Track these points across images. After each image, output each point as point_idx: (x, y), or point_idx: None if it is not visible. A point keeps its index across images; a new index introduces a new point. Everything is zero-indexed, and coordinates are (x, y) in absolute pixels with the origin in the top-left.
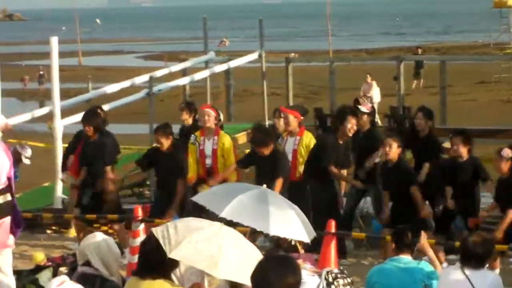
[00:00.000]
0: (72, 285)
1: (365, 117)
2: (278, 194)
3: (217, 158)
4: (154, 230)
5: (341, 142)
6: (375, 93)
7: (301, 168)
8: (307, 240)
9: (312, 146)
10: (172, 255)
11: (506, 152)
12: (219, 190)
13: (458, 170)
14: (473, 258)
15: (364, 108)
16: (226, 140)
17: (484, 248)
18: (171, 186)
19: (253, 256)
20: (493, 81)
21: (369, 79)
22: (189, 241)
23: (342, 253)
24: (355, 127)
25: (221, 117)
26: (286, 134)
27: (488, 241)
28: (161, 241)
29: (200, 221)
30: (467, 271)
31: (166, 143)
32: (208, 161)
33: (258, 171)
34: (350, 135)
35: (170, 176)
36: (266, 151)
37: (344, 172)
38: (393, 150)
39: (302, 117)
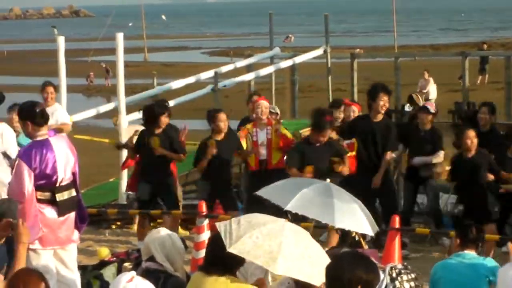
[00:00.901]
0: (141, 281)
1: (430, 117)
2: (341, 189)
3: (271, 149)
4: (218, 225)
5: (375, 121)
6: (432, 90)
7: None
8: (371, 233)
9: None
10: (231, 249)
11: None
12: (282, 184)
13: None
14: None
15: (431, 108)
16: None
17: None
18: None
19: (316, 255)
20: None
21: (426, 75)
22: (250, 236)
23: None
24: (387, 104)
25: (278, 111)
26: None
27: None
28: (222, 235)
29: (264, 216)
30: None
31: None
32: (263, 151)
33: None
34: (382, 112)
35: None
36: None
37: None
38: (475, 142)
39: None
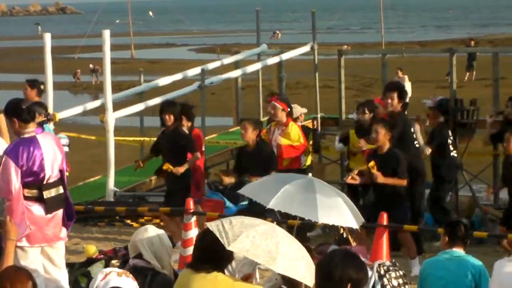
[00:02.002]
0: (115, 278)
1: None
2: (325, 183)
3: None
4: (209, 224)
5: None
6: (407, 87)
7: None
8: (356, 226)
9: None
10: (231, 247)
11: None
12: (265, 181)
13: None
14: None
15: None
16: (293, 129)
17: None
18: None
19: (307, 256)
20: None
21: (400, 74)
22: (247, 235)
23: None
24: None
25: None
26: None
27: None
28: (217, 235)
29: (253, 219)
30: None
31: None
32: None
33: None
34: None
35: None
36: None
37: None
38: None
39: None
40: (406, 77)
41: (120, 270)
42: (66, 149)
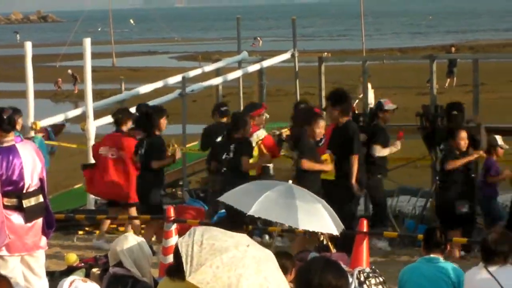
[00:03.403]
0: (81, 284)
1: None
2: (304, 189)
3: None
4: (179, 243)
5: None
6: (370, 95)
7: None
8: (335, 232)
9: None
10: (190, 278)
11: None
12: (246, 188)
13: None
14: (495, 256)
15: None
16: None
17: (506, 244)
18: None
19: (275, 285)
20: None
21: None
22: (210, 265)
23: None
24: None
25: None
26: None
27: (509, 236)
28: (183, 259)
29: (226, 238)
30: (491, 269)
31: None
32: None
33: None
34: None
35: None
36: None
37: None
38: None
39: None
40: (369, 84)
41: (84, 278)
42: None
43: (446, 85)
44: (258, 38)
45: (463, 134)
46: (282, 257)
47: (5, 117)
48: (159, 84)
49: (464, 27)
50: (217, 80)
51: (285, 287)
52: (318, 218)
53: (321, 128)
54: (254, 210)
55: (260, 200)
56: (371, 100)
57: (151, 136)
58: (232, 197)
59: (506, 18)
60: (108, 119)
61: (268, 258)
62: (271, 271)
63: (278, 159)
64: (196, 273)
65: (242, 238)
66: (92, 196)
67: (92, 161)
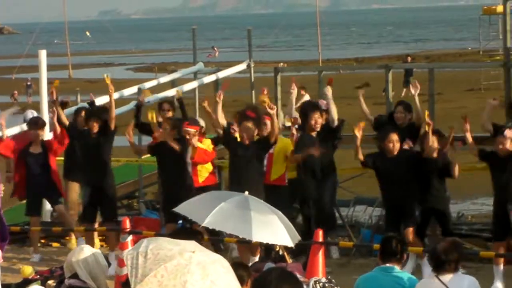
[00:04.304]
0: None
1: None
2: (260, 200)
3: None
4: (125, 256)
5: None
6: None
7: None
8: (290, 244)
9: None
10: None
11: (509, 133)
12: (201, 199)
13: None
14: (446, 265)
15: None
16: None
17: (455, 252)
18: None
19: (223, 285)
20: (483, 88)
21: (302, 92)
22: (155, 275)
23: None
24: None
25: (203, 123)
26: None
27: (457, 244)
28: (128, 271)
29: (171, 246)
30: (443, 278)
31: None
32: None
33: None
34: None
35: None
36: None
37: None
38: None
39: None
40: (307, 95)
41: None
42: None
43: (403, 94)
44: (215, 48)
45: (393, 137)
46: (239, 268)
47: None
48: (115, 95)
49: (420, 37)
50: (172, 91)
51: None
52: (273, 230)
53: None
54: (208, 222)
55: (215, 212)
56: None
57: None
58: (187, 208)
59: (459, 28)
60: None
61: (215, 261)
62: (218, 274)
63: None
64: (142, 284)
65: (188, 245)
66: (48, 208)
67: None
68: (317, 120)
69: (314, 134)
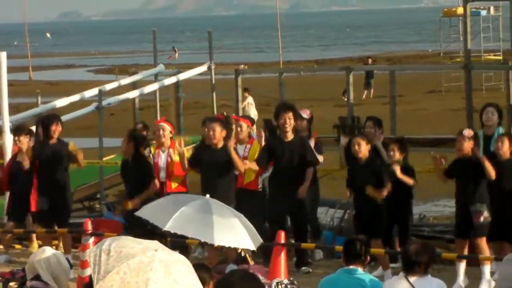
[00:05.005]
0: None
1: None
2: (222, 203)
3: (171, 171)
4: (88, 254)
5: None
6: (252, 110)
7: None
8: (253, 248)
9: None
10: (97, 286)
11: (468, 132)
12: (163, 202)
13: None
14: (416, 266)
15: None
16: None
17: (426, 255)
18: None
19: (186, 284)
20: (443, 90)
21: (246, 94)
22: (117, 272)
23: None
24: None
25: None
26: (235, 142)
27: (428, 247)
28: (91, 269)
29: (134, 244)
30: (411, 279)
31: None
32: (162, 174)
33: None
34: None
35: None
36: None
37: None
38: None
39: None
40: (250, 98)
41: None
42: None
43: (364, 96)
44: (176, 49)
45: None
46: (200, 269)
47: None
48: (75, 97)
49: (381, 39)
50: (133, 93)
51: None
52: (235, 233)
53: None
54: (169, 226)
55: (176, 216)
56: (253, 114)
57: None
58: (148, 212)
59: (420, 30)
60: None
61: (178, 260)
62: (180, 273)
63: None
64: (104, 280)
65: (151, 244)
66: None
67: None
68: (287, 121)
69: (287, 135)
